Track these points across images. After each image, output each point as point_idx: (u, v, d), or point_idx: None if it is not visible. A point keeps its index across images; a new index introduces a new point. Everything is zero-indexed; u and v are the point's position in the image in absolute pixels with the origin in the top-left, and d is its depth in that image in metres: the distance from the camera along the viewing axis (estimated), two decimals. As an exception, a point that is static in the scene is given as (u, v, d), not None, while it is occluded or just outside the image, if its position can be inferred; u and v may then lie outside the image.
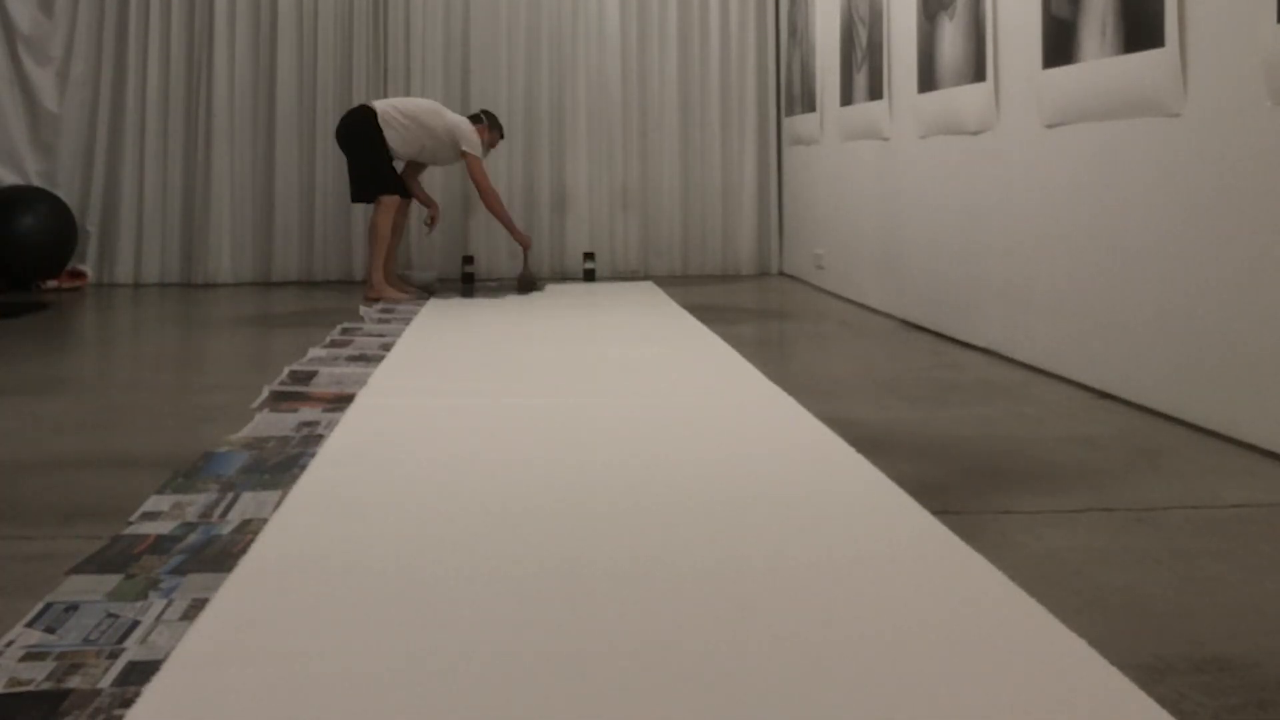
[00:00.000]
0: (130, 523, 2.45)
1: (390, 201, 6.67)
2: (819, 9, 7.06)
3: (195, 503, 2.59)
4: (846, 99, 6.48)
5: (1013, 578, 2.04)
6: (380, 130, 6.65)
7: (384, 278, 6.69)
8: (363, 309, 6.17)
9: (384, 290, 6.64)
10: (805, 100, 7.43)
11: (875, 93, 5.93)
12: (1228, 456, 2.98)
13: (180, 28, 7.72)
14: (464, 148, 6.73)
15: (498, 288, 7.43)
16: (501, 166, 7.97)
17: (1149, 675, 1.67)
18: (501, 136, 7.16)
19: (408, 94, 8.03)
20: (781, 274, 8.11)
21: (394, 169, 6.76)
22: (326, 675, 1.69)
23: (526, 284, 7.06)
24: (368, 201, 6.76)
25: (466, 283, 7.68)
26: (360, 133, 6.67)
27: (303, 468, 2.88)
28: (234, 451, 3.07)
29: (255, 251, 7.78)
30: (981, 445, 3.14)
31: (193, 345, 5.37)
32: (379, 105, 6.73)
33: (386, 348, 4.82)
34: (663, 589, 2.03)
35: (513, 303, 6.55)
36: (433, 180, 7.74)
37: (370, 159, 6.68)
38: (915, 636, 1.81)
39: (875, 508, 2.53)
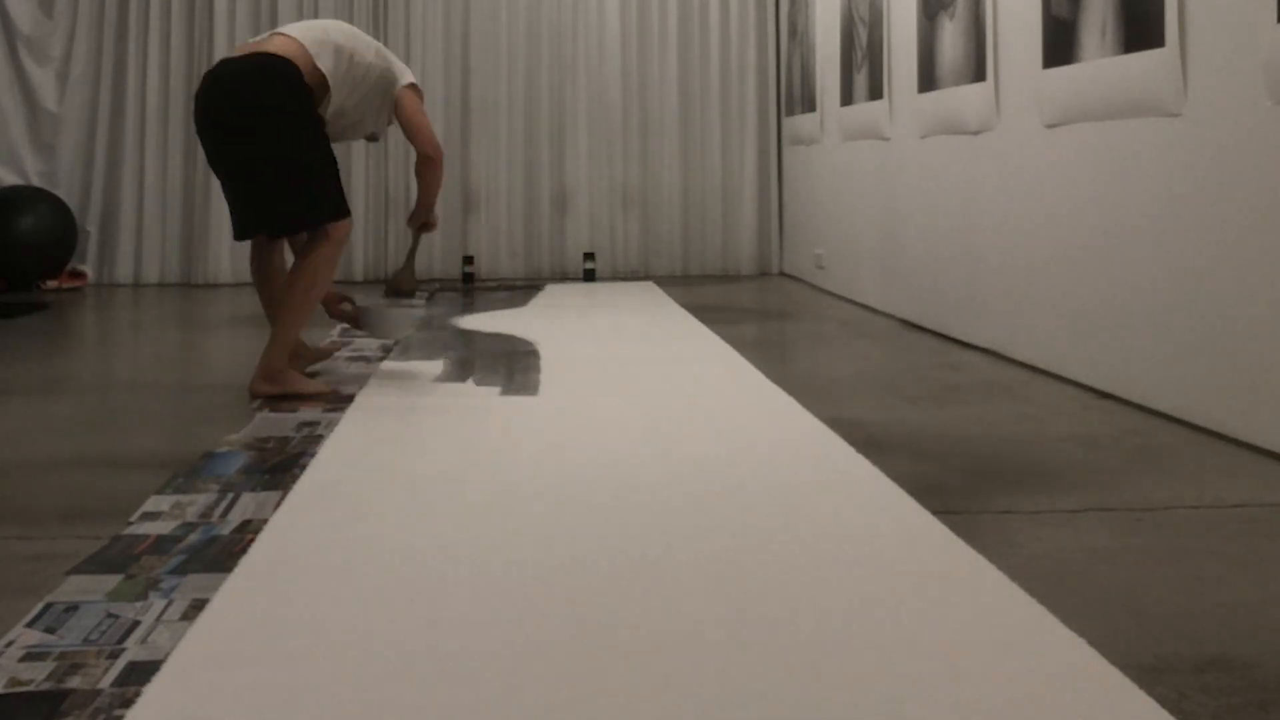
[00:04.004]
0: (130, 523, 2.45)
1: (346, 230, 3.83)
2: (819, 9, 7.06)
3: (195, 503, 2.59)
4: (846, 99, 6.48)
5: (1013, 578, 2.04)
6: (311, 96, 3.74)
7: (286, 363, 3.79)
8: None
9: (287, 378, 3.75)
10: (805, 100, 7.43)
11: (875, 93, 5.93)
12: (1228, 456, 2.98)
13: (180, 28, 7.72)
14: (407, 80, 4.03)
15: (497, 287, 7.43)
16: (502, 166, 7.97)
17: (1149, 675, 1.67)
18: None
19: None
20: (781, 274, 8.11)
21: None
22: (326, 675, 1.69)
23: (397, 288, 4.38)
24: (302, 229, 3.85)
25: (466, 283, 7.68)
26: (277, 103, 3.67)
27: (303, 468, 2.88)
28: (234, 451, 3.07)
29: (255, 251, 7.77)
30: (981, 445, 3.14)
31: (193, 345, 5.36)
32: (308, 46, 3.77)
33: (386, 348, 4.82)
34: (662, 588, 2.03)
35: (509, 303, 6.55)
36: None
37: (306, 151, 3.73)
38: (915, 636, 1.81)
39: (875, 508, 2.53)
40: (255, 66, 3.70)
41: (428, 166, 4.03)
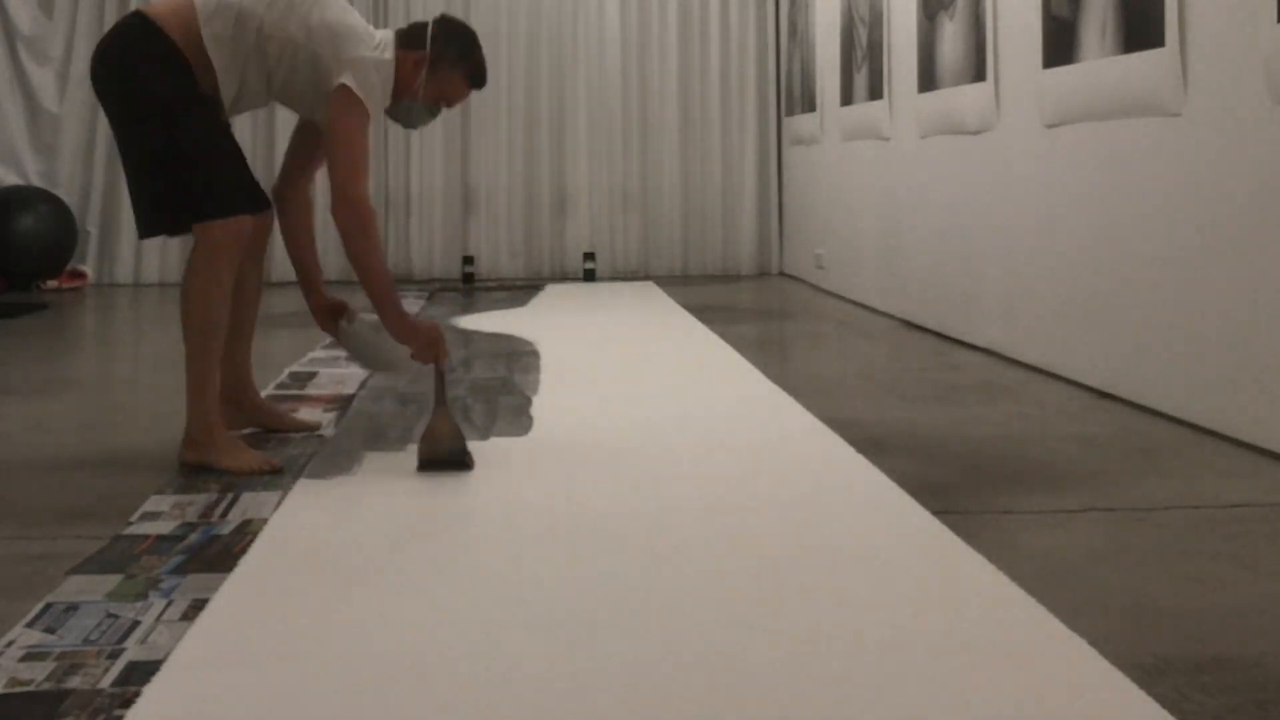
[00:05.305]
0: (130, 523, 2.45)
1: (231, 230, 2.91)
2: (819, 9, 7.06)
3: (195, 503, 2.59)
4: (846, 99, 6.48)
5: (1013, 578, 2.04)
6: (186, 68, 2.91)
7: (218, 413, 2.97)
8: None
9: (212, 447, 2.89)
10: (805, 100, 7.43)
11: (875, 93, 5.93)
12: (1228, 456, 2.98)
13: (180, 28, 7.71)
14: (342, 79, 2.91)
15: (497, 287, 7.43)
16: (502, 166, 7.97)
17: (1149, 675, 1.66)
18: (476, 84, 3.27)
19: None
20: (781, 274, 8.11)
21: (232, 145, 3.04)
22: (326, 675, 1.69)
23: (435, 453, 2.85)
24: (167, 231, 3.06)
25: (466, 283, 7.68)
26: (130, 76, 2.97)
27: (302, 468, 2.88)
28: (234, 451, 3.07)
29: (255, 251, 7.77)
30: (981, 445, 3.14)
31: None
32: (198, 8, 2.94)
33: (386, 348, 4.81)
34: (661, 586, 2.03)
35: (509, 303, 6.55)
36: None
37: (169, 135, 2.91)
38: (915, 636, 1.81)
39: (875, 508, 2.53)
40: (116, 32, 3.04)
41: (343, 218, 2.88)
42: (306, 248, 3.25)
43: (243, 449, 2.93)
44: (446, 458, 2.85)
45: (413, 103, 3.11)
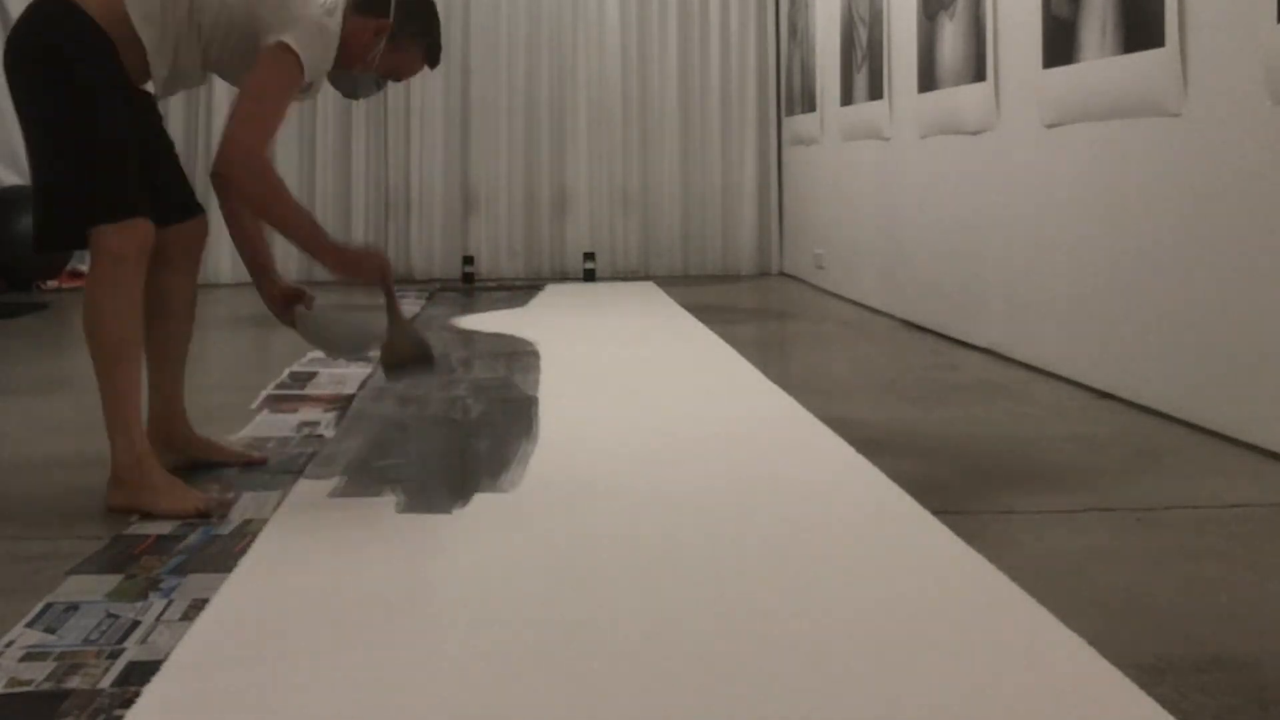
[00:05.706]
0: (130, 523, 2.45)
1: (129, 235, 2.57)
2: (819, 9, 7.06)
3: (195, 503, 2.59)
4: (846, 99, 6.48)
5: (1013, 578, 2.04)
6: (100, 38, 2.57)
7: (146, 446, 2.66)
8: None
9: (144, 487, 2.56)
10: (805, 100, 7.43)
11: (875, 93, 5.93)
12: (1228, 456, 2.98)
13: (180, 28, 7.71)
14: (283, 36, 2.58)
15: (497, 287, 7.43)
16: (502, 166, 7.96)
17: (1149, 675, 1.66)
18: (432, 61, 2.90)
19: (407, 100, 7.92)
20: (781, 274, 8.11)
21: (139, 146, 2.67)
22: (326, 675, 1.69)
23: (393, 360, 2.86)
24: (61, 247, 2.81)
25: (466, 283, 7.68)
26: (29, 60, 2.61)
27: (302, 469, 2.88)
28: (234, 451, 3.07)
29: (255, 251, 7.76)
30: (982, 445, 3.14)
31: (192, 345, 5.36)
32: None
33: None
34: (661, 585, 2.03)
35: (509, 303, 6.55)
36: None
37: (60, 128, 2.60)
38: (915, 636, 1.81)
39: (875, 508, 2.53)
40: (32, 14, 2.61)
41: (237, 165, 2.58)
42: (254, 233, 3.00)
43: (181, 488, 2.58)
44: (411, 361, 2.86)
45: (363, 73, 2.83)
